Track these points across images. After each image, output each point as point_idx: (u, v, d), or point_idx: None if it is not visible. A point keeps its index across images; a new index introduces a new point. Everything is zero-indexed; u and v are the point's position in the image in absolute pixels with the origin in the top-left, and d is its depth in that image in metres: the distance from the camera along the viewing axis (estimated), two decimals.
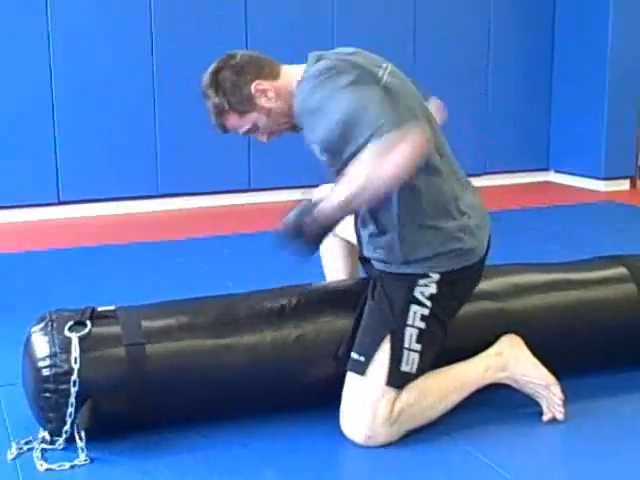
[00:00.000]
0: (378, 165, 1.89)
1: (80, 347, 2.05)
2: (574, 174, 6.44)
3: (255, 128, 2.20)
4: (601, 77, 6.07)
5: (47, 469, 2.00)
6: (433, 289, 2.12)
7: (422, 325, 2.11)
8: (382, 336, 2.11)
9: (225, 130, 2.22)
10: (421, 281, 2.12)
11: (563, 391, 2.27)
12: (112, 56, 5.23)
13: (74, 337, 2.06)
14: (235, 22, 5.49)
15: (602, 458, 2.09)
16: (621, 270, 2.58)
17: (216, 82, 2.16)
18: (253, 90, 2.14)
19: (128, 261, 4.09)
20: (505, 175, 6.51)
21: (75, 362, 2.03)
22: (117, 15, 5.22)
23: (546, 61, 6.49)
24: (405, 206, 2.10)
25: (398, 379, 2.10)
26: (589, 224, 5.11)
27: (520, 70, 6.44)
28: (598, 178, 6.22)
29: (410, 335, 2.11)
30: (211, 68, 2.20)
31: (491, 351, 2.27)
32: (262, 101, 2.15)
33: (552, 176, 6.68)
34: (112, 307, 2.21)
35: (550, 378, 2.27)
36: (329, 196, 1.99)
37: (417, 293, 2.12)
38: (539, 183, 6.61)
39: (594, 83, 6.13)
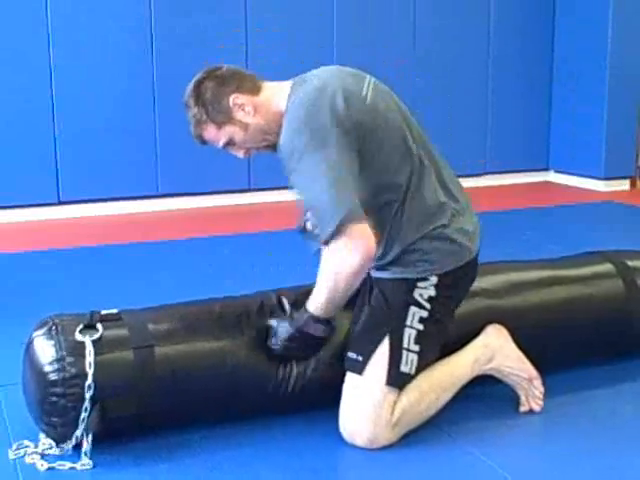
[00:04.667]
0: (335, 280, 2.00)
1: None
2: (574, 174, 6.44)
3: (232, 142, 2.19)
4: (601, 77, 6.07)
5: (48, 468, 2.01)
6: (432, 291, 2.13)
7: (420, 327, 2.12)
8: (380, 336, 2.11)
9: (204, 142, 2.22)
10: (420, 284, 2.12)
11: (544, 384, 2.31)
12: (112, 56, 5.23)
13: (88, 340, 2.03)
14: (235, 22, 5.50)
15: (601, 458, 2.09)
16: (607, 266, 2.62)
17: (198, 92, 2.16)
18: (231, 103, 2.14)
19: (128, 261, 4.09)
20: (505, 175, 6.52)
21: (90, 366, 2.00)
22: (117, 15, 5.22)
23: (546, 61, 6.49)
24: (396, 219, 2.11)
25: (397, 380, 2.10)
26: (589, 224, 5.11)
27: (520, 70, 6.44)
28: (598, 178, 6.22)
29: (409, 336, 2.11)
30: (195, 78, 2.20)
31: (478, 343, 2.29)
32: (239, 115, 2.15)
33: (552, 176, 6.68)
34: (115, 310, 2.18)
35: (533, 372, 2.31)
36: (311, 305, 2.06)
37: (416, 295, 2.12)
38: (539, 183, 6.61)
39: (594, 83, 6.14)
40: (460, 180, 2.29)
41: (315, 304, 2.06)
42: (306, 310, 2.07)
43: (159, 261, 4.09)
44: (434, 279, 2.13)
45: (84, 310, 2.17)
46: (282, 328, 2.11)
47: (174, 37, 5.36)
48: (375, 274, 2.19)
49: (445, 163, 2.25)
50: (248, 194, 5.71)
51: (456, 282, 2.18)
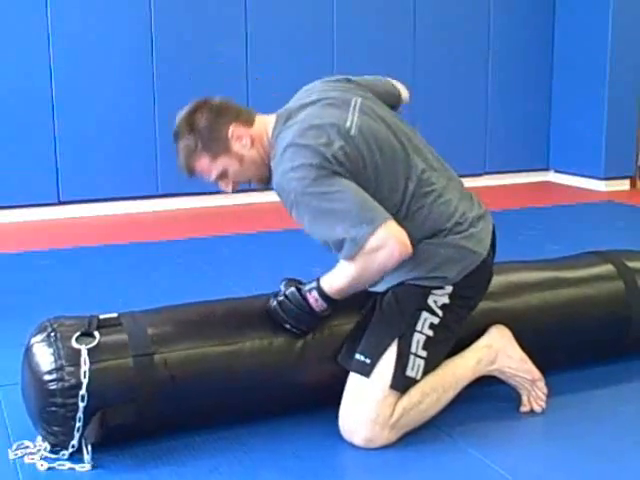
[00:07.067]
0: (363, 274, 2.00)
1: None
2: (574, 174, 6.44)
3: (224, 174, 2.14)
4: (601, 77, 6.07)
5: (48, 469, 2.00)
6: (446, 299, 2.12)
7: (430, 333, 2.11)
8: (390, 340, 2.10)
9: (192, 173, 2.16)
10: (435, 290, 2.12)
11: (547, 385, 2.31)
12: (112, 56, 5.23)
13: (83, 349, 1.99)
14: (235, 23, 5.49)
15: (602, 459, 2.08)
16: (608, 267, 2.62)
17: (191, 121, 2.11)
18: (230, 133, 2.10)
19: (128, 261, 4.09)
20: (505, 175, 6.52)
21: (84, 376, 1.97)
22: (117, 15, 5.22)
23: (546, 61, 6.50)
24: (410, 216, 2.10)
25: (402, 383, 2.10)
26: (589, 224, 5.11)
27: (520, 70, 6.44)
28: (598, 178, 6.22)
29: (417, 341, 2.10)
30: (187, 107, 2.15)
31: (481, 343, 2.28)
32: (237, 146, 2.11)
33: (552, 176, 6.68)
34: (115, 314, 2.14)
35: (536, 373, 2.31)
36: (326, 282, 2.06)
37: (430, 301, 2.11)
38: (539, 183, 6.61)
39: (594, 83, 6.14)
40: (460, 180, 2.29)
41: (330, 283, 2.06)
42: (318, 283, 2.07)
43: (159, 261, 4.09)
44: (449, 288, 2.12)
45: (84, 311, 2.17)
46: (288, 288, 2.11)
47: (174, 37, 5.36)
48: (387, 285, 2.16)
49: (443, 162, 2.24)
50: (248, 194, 5.70)
51: (470, 292, 2.17)
